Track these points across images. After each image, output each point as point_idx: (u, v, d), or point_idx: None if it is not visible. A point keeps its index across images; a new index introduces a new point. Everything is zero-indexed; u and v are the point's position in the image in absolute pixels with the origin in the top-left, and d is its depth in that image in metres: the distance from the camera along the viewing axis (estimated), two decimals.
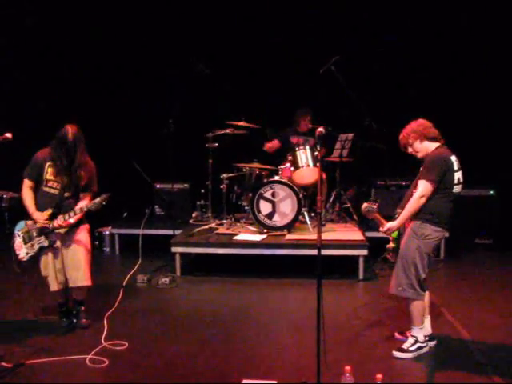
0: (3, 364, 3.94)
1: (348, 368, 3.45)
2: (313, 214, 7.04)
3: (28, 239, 4.55)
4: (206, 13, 8.08)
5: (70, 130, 4.48)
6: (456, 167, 4.10)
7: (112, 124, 8.16)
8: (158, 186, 8.03)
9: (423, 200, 4.04)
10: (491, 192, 7.71)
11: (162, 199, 7.96)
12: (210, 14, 8.07)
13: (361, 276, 6.27)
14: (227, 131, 7.12)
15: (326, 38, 7.84)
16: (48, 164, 4.57)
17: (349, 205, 7.52)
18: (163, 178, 7.87)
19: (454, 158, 4.11)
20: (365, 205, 4.18)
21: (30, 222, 4.59)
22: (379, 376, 3.36)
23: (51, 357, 4.13)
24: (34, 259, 4.57)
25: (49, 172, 4.57)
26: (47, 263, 4.60)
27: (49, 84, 8.07)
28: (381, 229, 4.27)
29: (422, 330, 4.23)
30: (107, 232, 7.76)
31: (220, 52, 7.96)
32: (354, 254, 6.32)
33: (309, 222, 6.80)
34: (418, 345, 4.20)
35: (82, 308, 4.85)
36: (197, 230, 6.88)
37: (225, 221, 7.10)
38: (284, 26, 7.97)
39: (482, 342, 4.38)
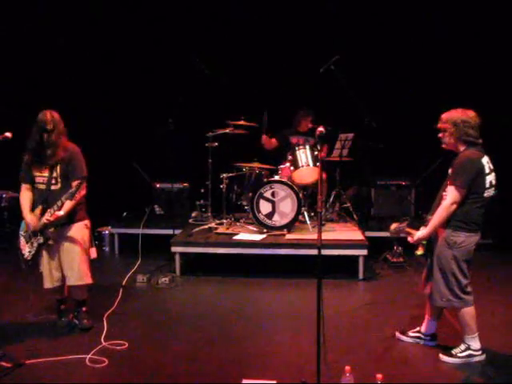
0: (3, 364, 3.94)
1: (348, 368, 3.44)
2: (313, 214, 7.04)
3: (28, 238, 4.54)
4: (206, 12, 8.08)
5: (48, 114, 4.38)
6: (487, 170, 3.92)
7: (112, 124, 8.15)
8: (157, 185, 8.03)
9: (454, 207, 3.86)
10: None
11: (161, 199, 7.96)
12: (210, 12, 8.07)
13: (361, 276, 6.26)
14: (227, 130, 7.11)
15: (327, 37, 7.84)
16: (34, 153, 4.46)
17: (349, 204, 7.52)
18: (163, 178, 7.87)
19: (485, 161, 3.93)
20: (394, 225, 4.07)
21: None
22: (379, 376, 3.36)
23: (51, 357, 4.13)
24: (36, 257, 4.56)
25: (34, 168, 4.50)
26: (42, 260, 4.59)
27: (48, 83, 8.05)
28: (409, 239, 4.12)
29: (475, 338, 4.05)
30: (107, 231, 7.75)
31: (220, 51, 7.95)
32: (353, 253, 6.30)
33: (309, 222, 6.80)
34: (469, 352, 4.04)
35: (83, 309, 4.80)
36: (196, 229, 6.87)
37: (224, 220, 7.09)
38: (284, 25, 7.97)
39: (482, 342, 4.36)
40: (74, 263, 4.56)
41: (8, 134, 4.21)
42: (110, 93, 8.19)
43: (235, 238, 6.56)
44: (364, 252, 6.23)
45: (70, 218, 4.56)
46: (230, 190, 7.16)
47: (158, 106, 7.90)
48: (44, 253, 4.57)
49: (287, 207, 6.62)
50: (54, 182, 4.49)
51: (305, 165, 6.75)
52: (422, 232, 4.04)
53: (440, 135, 4.03)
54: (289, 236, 6.58)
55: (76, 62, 8.23)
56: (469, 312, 4.04)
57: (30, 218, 4.48)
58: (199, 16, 8.11)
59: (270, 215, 6.66)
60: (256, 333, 4.72)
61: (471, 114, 3.94)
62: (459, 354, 4.06)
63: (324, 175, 7.14)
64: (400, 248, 6.70)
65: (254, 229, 6.78)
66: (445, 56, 7.85)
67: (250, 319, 5.07)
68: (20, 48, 8.17)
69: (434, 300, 4.13)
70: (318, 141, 3.88)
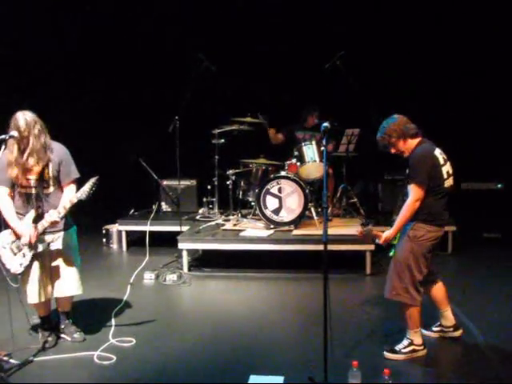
0: (12, 361, 3.97)
1: (355, 363, 3.45)
2: (320, 209, 7.02)
3: (17, 249, 4.12)
4: (212, 9, 8.07)
5: (21, 116, 3.96)
6: (442, 161, 3.95)
7: (119, 121, 8.17)
8: (164, 182, 8.04)
9: (417, 204, 3.87)
10: (499, 185, 7.67)
11: (168, 196, 7.97)
12: (216, 10, 8.06)
13: (368, 271, 6.25)
14: (233, 127, 7.11)
15: (333, 33, 7.82)
16: (14, 164, 4.02)
17: (356, 200, 7.50)
18: (170, 175, 7.89)
19: (438, 152, 3.98)
20: (360, 230, 4.12)
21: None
22: (387, 371, 3.36)
23: (59, 354, 4.16)
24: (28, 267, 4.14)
25: (16, 172, 4.03)
26: (31, 273, 4.16)
27: (53, 81, 8.08)
28: (377, 241, 4.15)
29: (417, 333, 4.05)
30: (114, 229, 7.78)
31: (226, 48, 7.95)
32: (361, 248, 6.28)
33: (316, 217, 6.78)
34: (413, 347, 4.03)
35: (70, 321, 4.51)
36: (203, 226, 6.88)
37: (231, 217, 7.11)
38: (291, 21, 7.96)
39: (489, 336, 4.35)
40: (70, 273, 4.29)
41: (14, 133, 4.04)
42: (117, 90, 8.22)
43: (242, 234, 6.57)
44: (371, 247, 6.20)
45: (61, 226, 4.23)
46: (236, 187, 7.17)
47: (164, 104, 7.90)
48: (36, 264, 4.16)
49: (294, 203, 6.61)
50: (45, 185, 4.13)
51: (311, 160, 6.74)
52: (389, 231, 4.05)
53: (393, 151, 4.10)
54: (296, 232, 6.58)
55: (81, 60, 8.26)
56: (415, 310, 4.01)
57: (24, 227, 4.05)
58: (206, 13, 8.11)
59: (276, 211, 6.65)
60: (263, 328, 4.73)
61: (396, 116, 4.05)
62: (403, 350, 4.04)
63: (331, 170, 7.13)
64: None
65: (261, 225, 6.78)
66: (450, 50, 7.83)
67: (257, 315, 5.08)
68: (21, 40, 8.20)
69: (385, 291, 4.13)
70: (323, 136, 3.85)
